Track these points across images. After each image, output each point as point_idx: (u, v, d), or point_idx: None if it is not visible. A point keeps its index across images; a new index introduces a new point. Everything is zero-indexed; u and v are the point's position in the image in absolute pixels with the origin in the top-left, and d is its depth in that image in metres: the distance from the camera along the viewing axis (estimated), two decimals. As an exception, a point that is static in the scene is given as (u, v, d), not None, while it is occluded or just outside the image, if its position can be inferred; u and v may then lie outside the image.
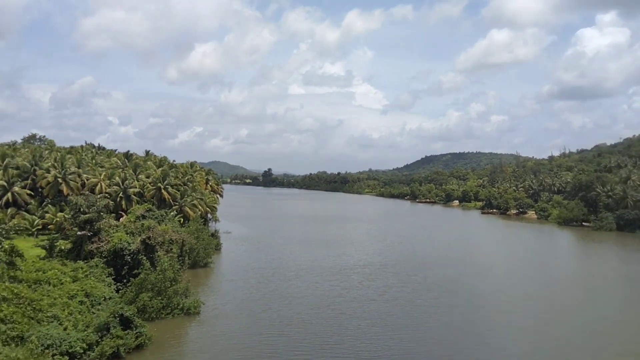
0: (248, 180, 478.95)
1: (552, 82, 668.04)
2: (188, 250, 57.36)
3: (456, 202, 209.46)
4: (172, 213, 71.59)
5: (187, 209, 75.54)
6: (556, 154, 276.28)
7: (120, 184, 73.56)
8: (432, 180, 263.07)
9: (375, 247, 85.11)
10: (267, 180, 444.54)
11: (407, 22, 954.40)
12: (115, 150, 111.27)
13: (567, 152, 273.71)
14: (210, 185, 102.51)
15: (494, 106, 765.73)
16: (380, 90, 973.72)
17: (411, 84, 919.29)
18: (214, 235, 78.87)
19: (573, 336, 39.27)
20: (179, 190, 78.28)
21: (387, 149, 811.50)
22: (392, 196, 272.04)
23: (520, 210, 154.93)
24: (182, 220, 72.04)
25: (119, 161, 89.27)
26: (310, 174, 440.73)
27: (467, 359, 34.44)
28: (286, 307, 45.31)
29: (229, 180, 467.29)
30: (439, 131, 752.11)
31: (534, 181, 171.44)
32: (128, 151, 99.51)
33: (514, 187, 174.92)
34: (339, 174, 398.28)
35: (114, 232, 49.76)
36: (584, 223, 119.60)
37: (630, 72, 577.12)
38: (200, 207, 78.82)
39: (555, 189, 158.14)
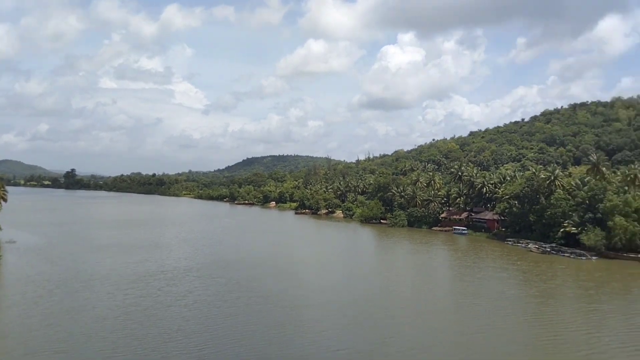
0: (47, 182, 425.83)
1: (362, 92, 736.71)
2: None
3: (273, 203, 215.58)
4: None
5: (-51, 215, 63.08)
6: (362, 158, 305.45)
7: None
8: (252, 182, 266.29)
9: (183, 251, 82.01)
10: (70, 182, 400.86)
11: (229, 24, 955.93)
12: None
13: (371, 156, 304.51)
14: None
15: (311, 112, 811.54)
16: (201, 90, 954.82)
17: (234, 86, 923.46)
18: (-11, 245, 67.60)
19: (367, 323, 42.39)
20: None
21: (209, 150, 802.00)
22: (211, 198, 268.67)
23: (330, 210, 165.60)
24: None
25: None
26: (122, 175, 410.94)
27: (259, 355, 34.61)
28: (68, 322, 40.58)
29: (22, 182, 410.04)
30: (261, 133, 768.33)
31: (342, 183, 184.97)
32: None
33: (325, 189, 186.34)
34: (154, 175, 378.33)
35: None
36: (382, 220, 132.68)
37: (424, 88, 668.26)
38: (-31, 213, 66.53)
39: (360, 190, 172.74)
